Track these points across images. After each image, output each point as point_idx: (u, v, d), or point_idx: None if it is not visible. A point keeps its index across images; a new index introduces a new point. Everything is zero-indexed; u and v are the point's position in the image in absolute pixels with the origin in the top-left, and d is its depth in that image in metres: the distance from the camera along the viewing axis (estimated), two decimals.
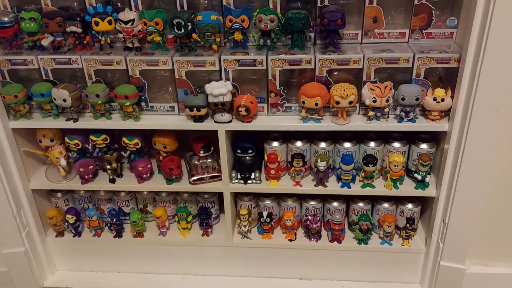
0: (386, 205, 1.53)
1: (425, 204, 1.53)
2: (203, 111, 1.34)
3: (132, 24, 1.33)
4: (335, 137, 1.46)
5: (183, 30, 1.31)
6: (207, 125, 1.37)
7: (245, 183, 1.47)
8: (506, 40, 1.10)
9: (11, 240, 1.51)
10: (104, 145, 1.48)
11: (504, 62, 1.12)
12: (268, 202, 1.56)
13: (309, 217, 1.53)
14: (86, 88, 1.37)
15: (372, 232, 1.55)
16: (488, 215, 1.36)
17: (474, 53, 1.16)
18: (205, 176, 1.49)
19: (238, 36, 1.34)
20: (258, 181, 1.48)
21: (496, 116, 1.18)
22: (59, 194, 1.63)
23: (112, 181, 1.52)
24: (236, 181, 1.48)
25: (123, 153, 1.50)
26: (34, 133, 1.49)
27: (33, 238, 1.57)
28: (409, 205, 1.52)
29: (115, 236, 1.62)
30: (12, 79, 1.40)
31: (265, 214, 1.54)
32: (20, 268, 1.56)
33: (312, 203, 1.55)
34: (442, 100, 1.27)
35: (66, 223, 1.60)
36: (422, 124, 1.33)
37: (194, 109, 1.33)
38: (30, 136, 1.50)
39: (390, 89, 1.29)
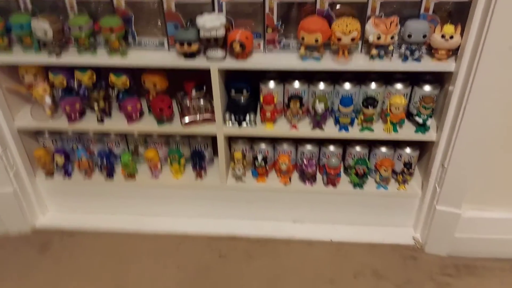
0: (384, 149, 1.48)
1: (424, 148, 1.49)
2: (194, 47, 1.25)
3: None
4: (334, 78, 1.39)
5: None
6: (199, 62, 1.28)
7: (239, 125, 1.42)
8: None
9: None
10: (91, 82, 1.40)
11: None
12: (263, 145, 1.51)
13: (305, 161, 1.49)
14: (68, 21, 1.27)
15: (368, 176, 1.52)
16: (488, 160, 1.32)
17: None
18: (197, 117, 1.42)
19: None
20: (253, 124, 1.42)
21: (509, 56, 1.11)
22: (46, 134, 1.57)
23: (101, 121, 1.46)
24: (230, 123, 1.42)
25: (110, 92, 1.42)
26: (16, 69, 1.40)
27: (21, 178, 1.54)
28: (408, 150, 1.48)
29: (106, 178, 1.59)
30: None
31: (259, 157, 1.49)
32: (10, 209, 1.54)
33: (308, 147, 1.51)
34: (451, 37, 1.19)
35: (55, 164, 1.56)
36: (427, 64, 1.25)
37: (185, 44, 1.24)
38: (12, 72, 1.42)
39: (396, 24, 1.20)
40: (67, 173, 1.59)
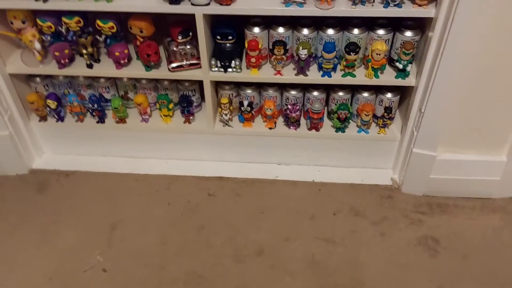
0: (365, 94, 1.54)
1: (404, 93, 1.54)
2: None
3: None
4: (318, 24, 1.41)
5: None
6: (183, 7, 1.30)
7: (225, 71, 1.45)
8: None
9: None
10: (78, 28, 1.41)
11: None
12: (249, 91, 1.56)
13: (289, 106, 1.54)
14: None
15: (350, 120, 1.59)
16: (463, 105, 1.37)
17: None
18: (184, 63, 1.46)
19: None
20: (239, 70, 1.45)
21: (484, 1, 1.13)
22: (38, 79, 1.61)
23: (90, 66, 1.49)
24: (216, 69, 1.46)
25: (98, 37, 1.45)
26: (4, 14, 1.41)
27: (16, 122, 1.59)
28: (388, 95, 1.53)
29: (97, 122, 1.64)
30: None
31: (245, 103, 1.55)
32: (7, 151, 1.60)
33: (293, 92, 1.55)
34: None
35: (48, 108, 1.61)
36: (408, 10, 1.27)
37: None
38: (1, 17, 1.43)
39: None
40: (60, 118, 1.64)
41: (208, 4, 1.29)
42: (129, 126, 1.64)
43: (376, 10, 1.28)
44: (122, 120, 1.64)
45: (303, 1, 1.28)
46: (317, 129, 1.58)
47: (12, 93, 1.54)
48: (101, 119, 1.64)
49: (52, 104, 1.58)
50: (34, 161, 1.72)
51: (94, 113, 1.61)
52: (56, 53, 1.43)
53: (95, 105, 1.58)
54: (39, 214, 1.54)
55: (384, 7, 1.27)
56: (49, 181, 1.65)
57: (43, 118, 1.66)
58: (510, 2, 1.15)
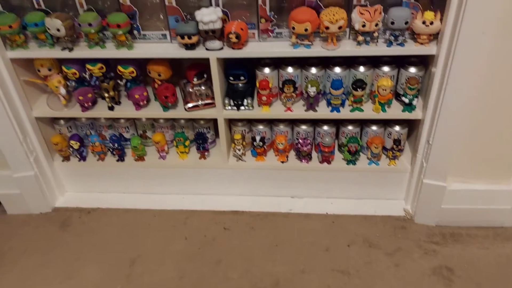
0: (374, 127, 1.59)
1: (412, 126, 1.60)
2: (194, 39, 1.36)
3: None
4: (325, 63, 1.49)
5: None
6: (198, 52, 1.39)
7: (238, 109, 1.53)
8: None
9: (21, 165, 1.62)
10: (101, 73, 1.52)
11: None
12: (260, 127, 1.63)
13: (300, 141, 1.60)
14: (79, 17, 1.38)
15: (360, 153, 1.64)
16: (469, 136, 1.42)
17: None
18: (199, 103, 1.54)
19: None
20: (251, 107, 1.53)
21: (482, 40, 1.20)
22: (62, 122, 1.71)
23: (111, 108, 1.58)
24: (229, 107, 1.53)
25: (119, 81, 1.55)
26: (32, 63, 1.53)
27: (41, 163, 1.68)
28: (397, 128, 1.58)
29: (117, 160, 1.72)
30: (4, 9, 1.41)
31: (258, 138, 1.61)
32: (32, 191, 1.68)
33: (303, 127, 1.62)
34: (431, 23, 1.28)
35: (71, 149, 1.69)
36: (411, 48, 1.35)
37: (185, 37, 1.35)
38: (29, 66, 1.54)
39: (380, 12, 1.29)
40: (82, 157, 1.73)
41: (222, 48, 1.38)
42: (147, 164, 1.72)
43: (380, 49, 1.35)
44: (140, 158, 1.71)
45: (310, 43, 1.36)
46: (329, 162, 1.64)
47: (37, 135, 1.63)
48: (121, 158, 1.72)
49: (75, 144, 1.67)
50: (57, 199, 1.79)
51: (114, 152, 1.70)
52: (80, 97, 1.53)
53: (116, 145, 1.67)
54: (63, 251, 1.59)
55: (387, 46, 1.35)
56: (72, 218, 1.72)
57: (66, 158, 1.74)
58: (505, 42, 1.21)
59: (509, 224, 1.59)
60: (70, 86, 1.57)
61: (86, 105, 1.56)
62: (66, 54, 1.44)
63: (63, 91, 1.54)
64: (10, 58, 1.46)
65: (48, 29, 1.37)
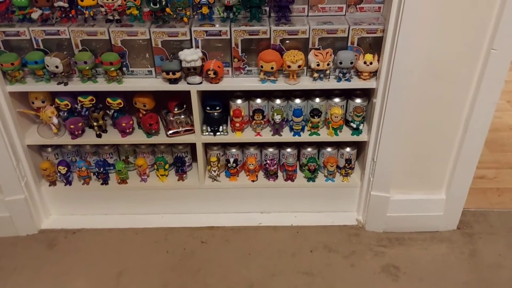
0: (329, 149, 1.87)
1: (360, 147, 1.89)
2: (178, 75, 1.59)
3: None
4: (287, 95, 1.77)
5: (158, 5, 1.54)
6: (181, 86, 1.63)
7: (214, 135, 1.76)
8: (416, 16, 1.40)
9: (12, 189, 1.75)
10: (91, 105, 1.71)
11: (415, 33, 1.43)
12: (234, 150, 1.87)
13: (268, 161, 1.85)
14: (75, 56, 1.58)
15: (318, 171, 1.91)
16: (406, 154, 1.72)
17: (393, 25, 1.47)
18: (180, 129, 1.76)
19: (205, 10, 1.58)
20: (225, 133, 1.77)
21: (410, 76, 1.52)
22: (49, 149, 1.86)
23: (99, 136, 1.76)
24: (207, 133, 1.76)
25: (108, 112, 1.74)
26: (26, 95, 1.70)
27: (30, 187, 1.81)
28: (348, 149, 1.87)
29: (102, 184, 1.88)
30: (5, 49, 1.59)
31: (231, 160, 1.85)
32: (21, 213, 1.80)
33: (270, 149, 1.87)
34: (371, 63, 1.59)
35: (58, 174, 1.84)
36: (356, 83, 1.65)
37: (170, 73, 1.58)
38: (23, 98, 1.71)
39: (331, 55, 1.59)
40: (68, 182, 1.88)
41: (201, 83, 1.63)
42: (130, 186, 1.89)
43: (332, 84, 1.65)
44: (124, 181, 1.89)
45: (275, 78, 1.64)
46: (292, 180, 1.89)
47: (28, 161, 1.77)
48: (105, 181, 1.88)
49: (63, 170, 1.82)
50: (43, 222, 1.91)
51: (99, 176, 1.86)
52: (72, 126, 1.70)
53: (101, 169, 1.84)
54: (51, 267, 1.72)
55: (337, 81, 1.65)
56: (58, 238, 1.85)
57: (52, 183, 1.88)
58: (428, 78, 1.54)
59: (442, 228, 1.90)
60: (62, 117, 1.74)
61: (76, 133, 1.74)
62: (61, 88, 1.62)
63: (55, 121, 1.71)
64: (9, 91, 1.63)
65: (47, 66, 1.57)
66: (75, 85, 1.64)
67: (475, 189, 2.02)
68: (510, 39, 1.42)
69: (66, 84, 1.63)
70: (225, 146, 1.88)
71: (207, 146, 1.87)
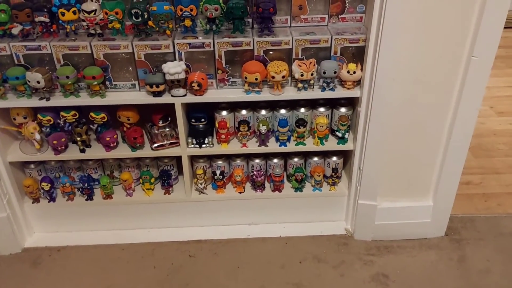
0: (315, 158, 1.87)
1: (346, 156, 1.90)
2: (162, 87, 1.59)
3: (94, 14, 1.53)
4: (272, 106, 1.77)
5: (140, 19, 1.54)
6: (165, 99, 1.62)
7: (200, 147, 1.75)
8: (397, 25, 1.42)
9: None
10: (74, 120, 1.69)
11: (397, 42, 1.45)
12: (220, 162, 1.86)
13: (255, 172, 1.84)
14: (57, 71, 1.56)
15: (306, 181, 1.90)
16: (393, 161, 1.73)
17: (375, 35, 1.49)
18: (165, 143, 1.75)
19: (188, 22, 1.58)
20: (211, 145, 1.76)
21: (393, 84, 1.54)
22: (32, 166, 1.83)
23: (83, 151, 1.74)
24: (192, 146, 1.75)
25: (91, 126, 1.72)
26: (8, 111, 1.67)
27: (12, 205, 1.77)
28: (334, 158, 1.87)
29: (86, 199, 1.85)
30: None
31: (218, 172, 1.84)
32: (4, 232, 1.76)
33: (257, 160, 1.87)
34: (354, 72, 1.61)
35: (41, 191, 1.81)
36: (340, 92, 1.66)
37: (154, 86, 1.57)
38: (5, 114, 1.68)
39: (314, 65, 1.60)
40: (52, 198, 1.84)
41: (185, 95, 1.62)
42: (115, 201, 1.86)
43: (316, 94, 1.66)
44: (109, 196, 1.86)
45: (260, 89, 1.64)
46: (280, 190, 1.89)
47: (10, 178, 1.74)
48: (90, 197, 1.85)
49: (46, 186, 1.79)
50: (26, 240, 1.87)
51: (84, 192, 1.83)
52: (55, 142, 1.68)
53: (86, 184, 1.81)
54: (36, 286, 1.68)
55: (321, 91, 1.66)
56: (42, 256, 1.80)
57: (36, 200, 1.85)
58: (410, 86, 1.56)
59: (430, 235, 1.90)
60: (44, 132, 1.72)
61: (59, 148, 1.71)
62: (43, 103, 1.60)
63: (38, 137, 1.68)
64: None
65: (29, 81, 1.55)
66: (58, 100, 1.62)
67: (462, 195, 2.04)
68: (489, 46, 1.45)
69: (48, 99, 1.61)
70: (211, 158, 1.86)
71: (193, 158, 1.86)
